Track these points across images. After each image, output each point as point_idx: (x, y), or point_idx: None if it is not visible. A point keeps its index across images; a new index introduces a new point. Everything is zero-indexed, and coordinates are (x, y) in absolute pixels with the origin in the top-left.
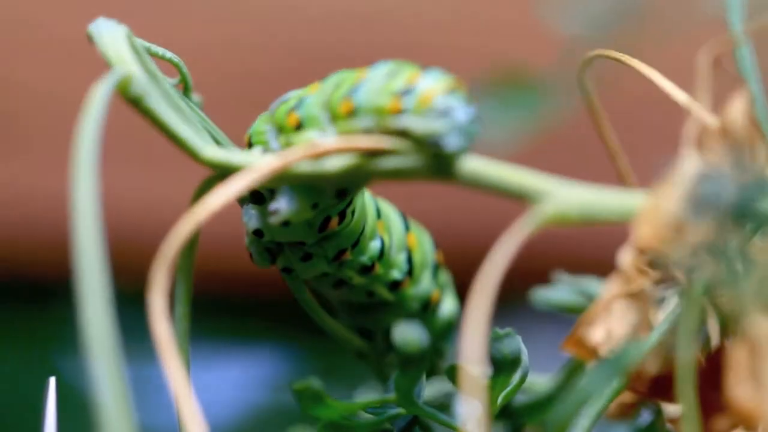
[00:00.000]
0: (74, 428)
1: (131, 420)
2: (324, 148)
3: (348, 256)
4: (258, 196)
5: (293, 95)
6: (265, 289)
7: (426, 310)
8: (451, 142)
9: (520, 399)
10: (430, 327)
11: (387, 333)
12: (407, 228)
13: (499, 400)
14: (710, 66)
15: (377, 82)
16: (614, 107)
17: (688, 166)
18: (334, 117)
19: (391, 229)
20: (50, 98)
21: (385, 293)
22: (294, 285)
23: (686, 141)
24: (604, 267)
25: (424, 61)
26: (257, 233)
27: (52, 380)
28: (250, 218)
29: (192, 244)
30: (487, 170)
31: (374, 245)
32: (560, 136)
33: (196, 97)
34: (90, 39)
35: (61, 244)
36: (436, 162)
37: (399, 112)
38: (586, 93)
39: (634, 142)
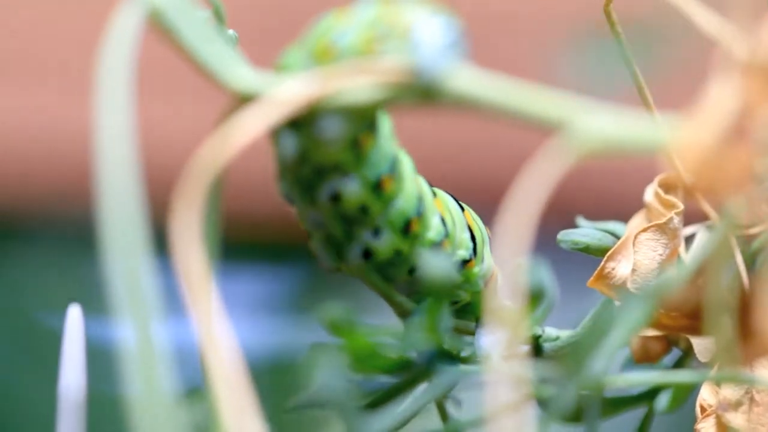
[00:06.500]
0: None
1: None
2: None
3: (416, 227)
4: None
5: None
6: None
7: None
8: (428, 69)
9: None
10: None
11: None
12: (461, 207)
13: (524, 331)
14: None
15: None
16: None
17: (723, 96)
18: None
19: (449, 207)
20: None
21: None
22: (368, 273)
23: (718, 71)
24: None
25: None
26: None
27: (75, 309)
28: (286, 146)
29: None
30: (486, 91)
31: (436, 220)
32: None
33: (230, 32)
34: None
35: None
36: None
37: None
38: (613, 25)
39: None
